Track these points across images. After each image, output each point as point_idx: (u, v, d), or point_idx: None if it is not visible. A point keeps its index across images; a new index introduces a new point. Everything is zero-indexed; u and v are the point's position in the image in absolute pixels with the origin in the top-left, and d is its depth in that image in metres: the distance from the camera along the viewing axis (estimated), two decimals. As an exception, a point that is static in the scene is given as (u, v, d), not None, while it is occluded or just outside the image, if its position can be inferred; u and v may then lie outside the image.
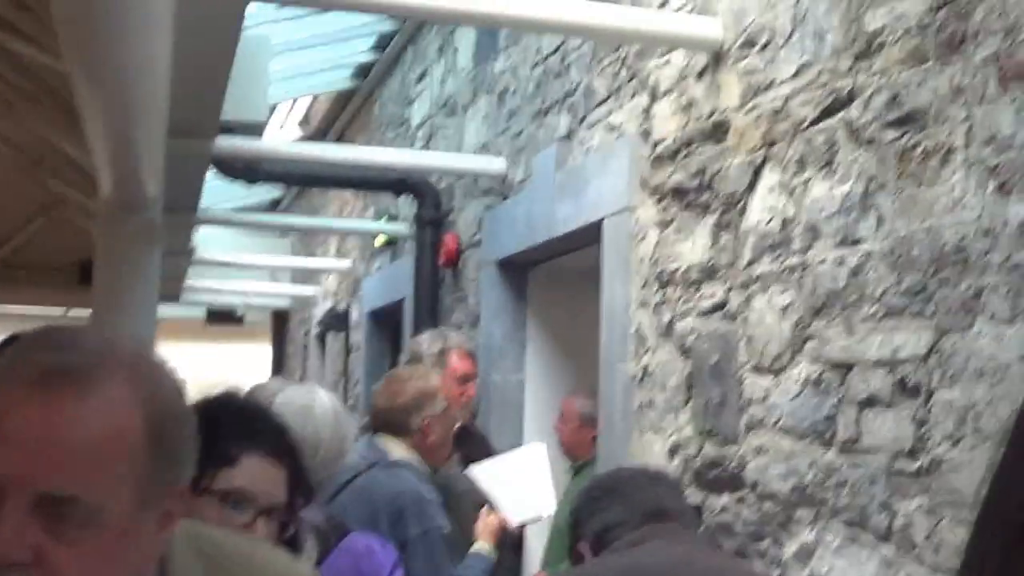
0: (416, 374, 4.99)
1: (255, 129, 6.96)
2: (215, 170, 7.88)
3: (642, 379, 4.66)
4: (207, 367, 27.17)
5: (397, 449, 4.62)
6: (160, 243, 5.50)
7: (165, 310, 14.74)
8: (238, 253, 13.16)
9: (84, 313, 6.64)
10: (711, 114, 4.21)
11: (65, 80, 3.65)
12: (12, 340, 5.35)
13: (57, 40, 3.11)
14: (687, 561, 2.98)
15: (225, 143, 6.58)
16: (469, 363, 5.70)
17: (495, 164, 6.87)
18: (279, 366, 19.98)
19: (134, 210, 5.02)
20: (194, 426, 1.82)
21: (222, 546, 2.04)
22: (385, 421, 4.72)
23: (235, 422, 2.58)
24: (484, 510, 4.89)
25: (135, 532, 1.68)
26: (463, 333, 6.07)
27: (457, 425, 5.60)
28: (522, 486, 5.19)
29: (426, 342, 5.73)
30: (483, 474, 5.17)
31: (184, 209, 7.85)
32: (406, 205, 9.05)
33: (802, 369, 3.52)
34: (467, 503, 4.93)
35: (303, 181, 10.84)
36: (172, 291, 13.26)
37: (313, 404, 3.68)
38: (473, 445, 5.61)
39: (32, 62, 4.95)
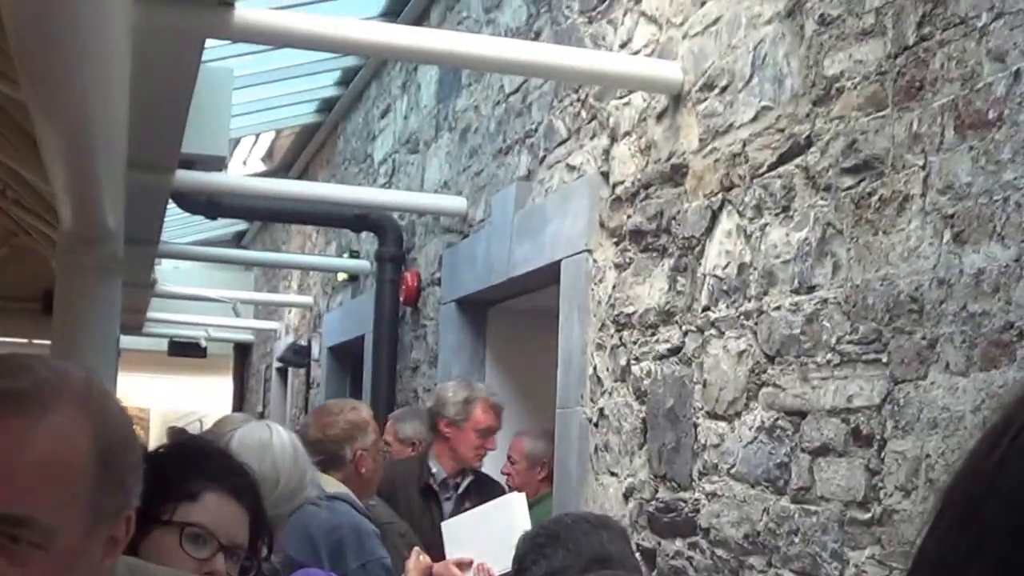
0: (347, 406, 4.93)
1: (216, 163, 6.91)
2: (176, 204, 7.83)
3: (598, 422, 4.64)
4: (169, 398, 27.08)
5: (331, 482, 4.58)
6: (120, 275, 5.46)
7: (128, 341, 14.71)
8: (201, 286, 13.12)
9: (47, 343, 6.59)
10: (670, 157, 4.20)
11: (27, 109, 3.62)
12: None
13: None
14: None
15: (186, 177, 6.54)
16: (493, 416, 5.67)
17: (455, 203, 6.85)
18: (240, 399, 19.91)
19: (94, 242, 4.98)
20: (140, 454, 1.84)
21: None
22: (317, 453, 4.66)
23: (198, 461, 2.61)
24: (416, 549, 4.86)
25: (83, 555, 1.70)
26: (490, 386, 6.01)
27: (470, 477, 5.60)
28: (502, 536, 5.18)
29: (452, 389, 5.70)
30: (463, 524, 5.14)
31: (145, 242, 7.81)
32: (368, 241, 9.03)
33: (756, 416, 3.51)
34: (391, 534, 4.90)
35: (264, 216, 10.82)
36: (134, 323, 13.21)
37: (271, 439, 3.67)
38: (491, 495, 5.57)
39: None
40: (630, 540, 3.26)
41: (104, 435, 1.72)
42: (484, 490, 5.63)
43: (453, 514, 5.45)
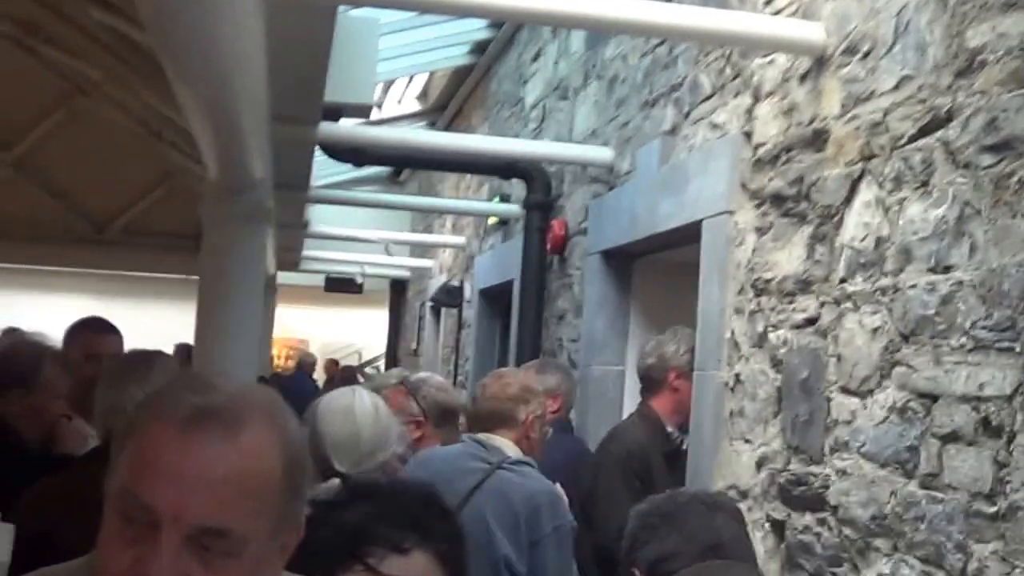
0: (520, 373, 5.27)
1: (363, 111, 6.96)
2: (323, 151, 7.88)
3: (734, 387, 4.58)
4: (328, 330, 27.53)
5: (509, 447, 4.73)
6: (268, 223, 5.48)
7: (285, 277, 15.00)
8: (356, 226, 13.21)
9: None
10: (812, 120, 4.11)
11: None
12: (83, 325, 5.43)
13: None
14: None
15: (331, 128, 6.59)
16: None
17: (602, 154, 6.80)
18: (395, 335, 20.12)
19: (241, 192, 5.00)
20: (311, 467, 1.96)
21: None
22: (492, 412, 4.82)
23: (418, 513, 2.53)
24: None
25: (265, 562, 1.81)
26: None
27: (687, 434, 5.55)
28: None
29: (672, 342, 5.56)
30: None
31: (295, 187, 7.90)
32: (519, 186, 9.01)
33: (889, 395, 3.42)
34: None
35: (409, 164, 10.84)
36: (289, 260, 13.43)
37: (353, 405, 4.12)
38: None
39: (142, 41, 4.98)
40: (744, 521, 3.21)
41: (289, 448, 1.83)
42: None
43: None
